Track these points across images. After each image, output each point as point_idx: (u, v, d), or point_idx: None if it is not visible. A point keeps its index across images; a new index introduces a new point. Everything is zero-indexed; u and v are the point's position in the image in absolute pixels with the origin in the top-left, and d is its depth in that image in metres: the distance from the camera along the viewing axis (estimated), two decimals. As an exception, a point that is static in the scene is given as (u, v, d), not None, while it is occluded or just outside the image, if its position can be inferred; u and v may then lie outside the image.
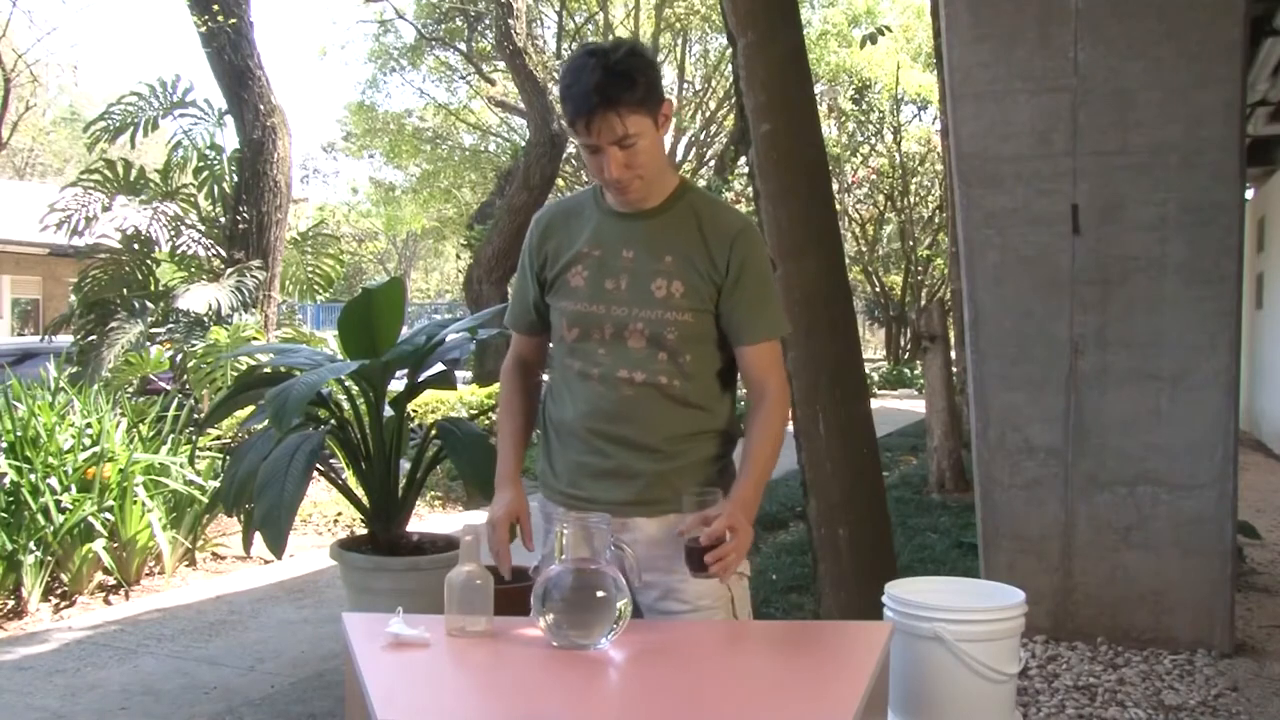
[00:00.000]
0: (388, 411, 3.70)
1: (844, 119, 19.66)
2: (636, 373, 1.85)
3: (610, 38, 18.54)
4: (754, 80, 3.55)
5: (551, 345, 2.01)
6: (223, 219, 8.67)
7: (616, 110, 1.74)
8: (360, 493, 3.78)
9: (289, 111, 9.07)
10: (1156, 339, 3.72)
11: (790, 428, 3.82)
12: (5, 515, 4.54)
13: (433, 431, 3.68)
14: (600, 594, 1.61)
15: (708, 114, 19.94)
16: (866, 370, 4.90)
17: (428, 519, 6.78)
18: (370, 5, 18.25)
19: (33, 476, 4.65)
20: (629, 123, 1.75)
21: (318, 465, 3.42)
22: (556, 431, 1.95)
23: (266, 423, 3.22)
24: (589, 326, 1.89)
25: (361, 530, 4.06)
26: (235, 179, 8.68)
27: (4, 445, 4.76)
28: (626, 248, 1.88)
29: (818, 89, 15.03)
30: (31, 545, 4.50)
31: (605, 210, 1.92)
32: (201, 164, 8.47)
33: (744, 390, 1.93)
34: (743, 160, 11.89)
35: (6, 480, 4.63)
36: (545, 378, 2.09)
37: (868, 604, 2.95)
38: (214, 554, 5.54)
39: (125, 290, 7.98)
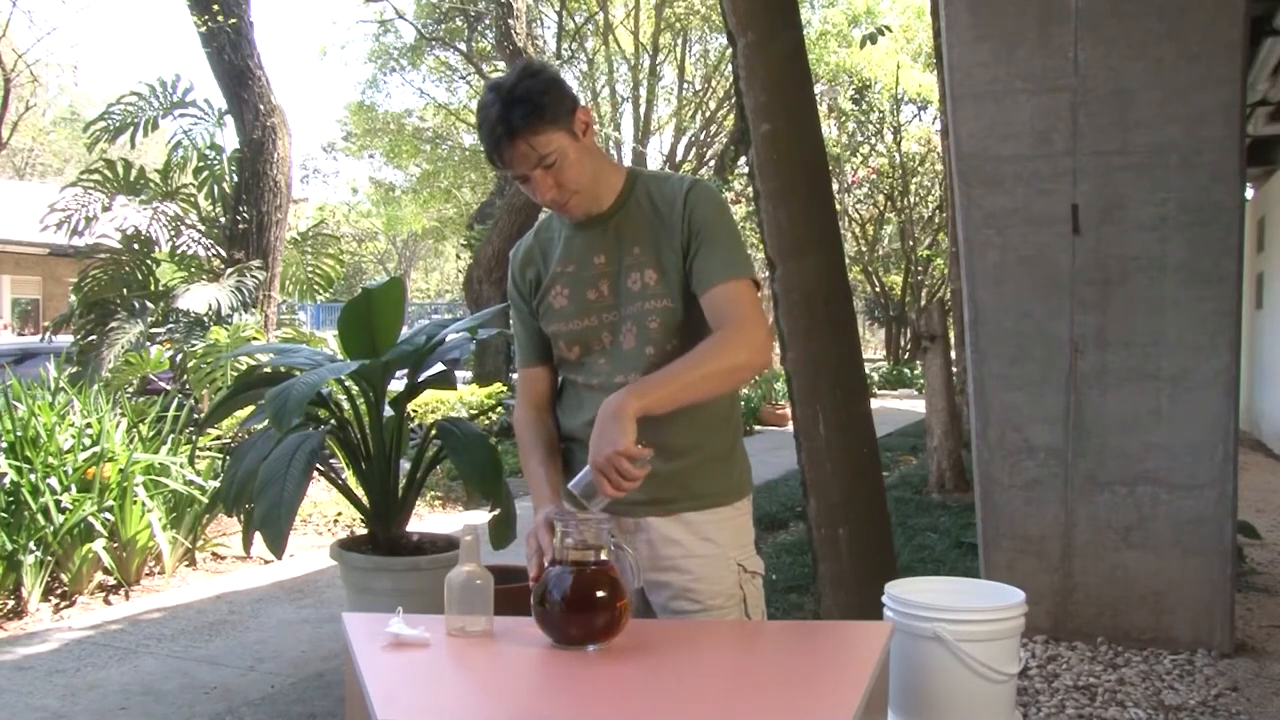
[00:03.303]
0: (388, 411, 3.70)
1: (844, 119, 19.64)
2: (631, 375, 1.85)
3: (610, 38, 18.61)
4: (754, 80, 3.55)
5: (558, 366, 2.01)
6: (223, 219, 8.67)
7: (524, 137, 1.75)
8: (360, 493, 3.78)
9: (289, 111, 9.09)
10: (1156, 339, 3.72)
11: (790, 428, 3.78)
12: (5, 515, 4.54)
13: (433, 431, 3.68)
14: (600, 594, 1.61)
15: (708, 114, 19.95)
16: (866, 370, 4.89)
17: (428, 519, 6.78)
18: (370, 5, 18.26)
19: (33, 476, 4.65)
20: (539, 144, 1.76)
21: (318, 465, 3.42)
22: (568, 440, 1.97)
23: (266, 423, 3.21)
24: (589, 340, 1.90)
25: (361, 530, 4.06)
26: (235, 179, 8.68)
27: (4, 445, 4.76)
28: (596, 255, 1.89)
29: (818, 89, 15.02)
30: (31, 545, 4.50)
31: (570, 226, 1.93)
32: (201, 164, 8.47)
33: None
34: (743, 160, 11.89)
35: (6, 480, 4.63)
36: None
37: (868, 604, 2.95)
38: (214, 554, 5.54)
39: (125, 290, 7.98)
